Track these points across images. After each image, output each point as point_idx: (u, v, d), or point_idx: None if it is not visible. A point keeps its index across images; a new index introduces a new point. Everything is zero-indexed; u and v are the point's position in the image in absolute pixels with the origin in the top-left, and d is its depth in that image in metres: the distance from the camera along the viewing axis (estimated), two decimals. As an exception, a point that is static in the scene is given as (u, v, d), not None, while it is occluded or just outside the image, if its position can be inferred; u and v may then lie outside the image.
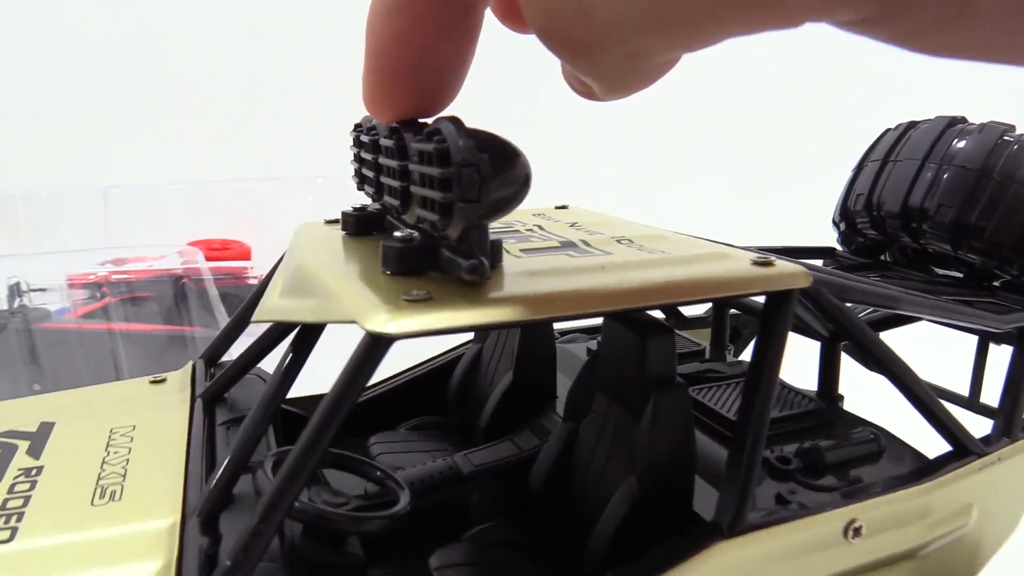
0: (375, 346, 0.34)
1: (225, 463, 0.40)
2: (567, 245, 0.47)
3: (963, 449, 0.47)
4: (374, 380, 0.66)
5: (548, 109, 1.66)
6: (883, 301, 0.45)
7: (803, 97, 1.74)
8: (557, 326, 0.70)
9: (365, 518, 0.39)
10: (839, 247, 0.76)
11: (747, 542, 0.39)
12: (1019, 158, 0.58)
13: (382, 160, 0.45)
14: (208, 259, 1.09)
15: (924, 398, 0.46)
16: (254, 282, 1.10)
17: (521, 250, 0.46)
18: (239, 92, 1.53)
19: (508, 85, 1.62)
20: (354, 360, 0.34)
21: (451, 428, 0.64)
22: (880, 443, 0.48)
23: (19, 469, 0.44)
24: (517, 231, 0.52)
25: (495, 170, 0.35)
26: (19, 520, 0.39)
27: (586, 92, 0.26)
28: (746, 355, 0.74)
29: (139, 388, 0.58)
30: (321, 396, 0.67)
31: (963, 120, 0.63)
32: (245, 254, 1.22)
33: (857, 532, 0.42)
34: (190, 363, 0.61)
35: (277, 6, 1.60)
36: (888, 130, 0.69)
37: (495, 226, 0.53)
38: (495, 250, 0.41)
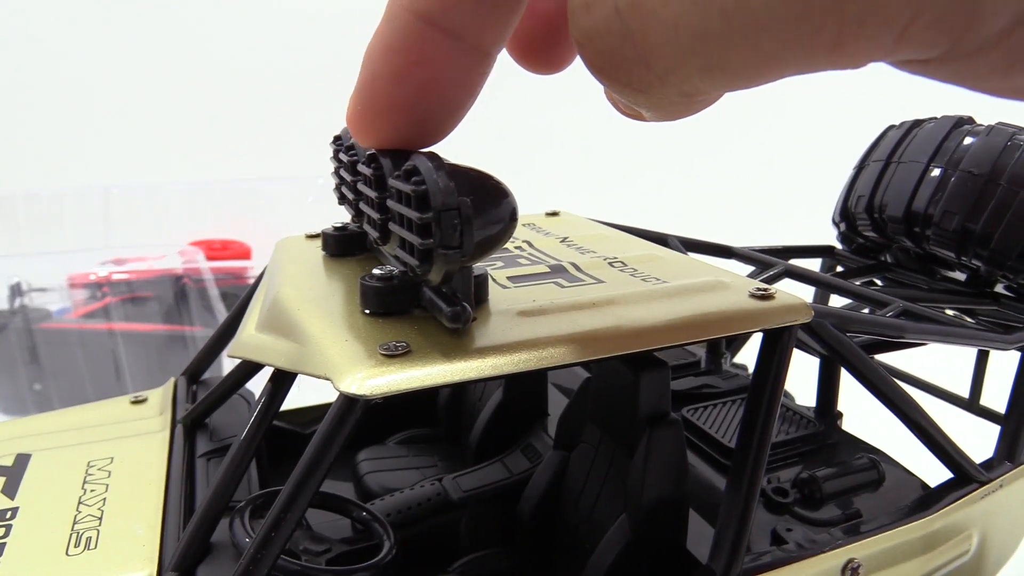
0: (349, 407, 0.33)
1: (201, 511, 0.39)
2: (557, 271, 0.45)
3: (964, 476, 0.46)
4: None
5: (544, 105, 1.64)
6: (885, 331, 0.44)
7: (805, 91, 1.71)
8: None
9: (348, 572, 0.38)
10: (839, 245, 0.74)
11: (744, 591, 0.38)
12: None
13: (361, 187, 0.43)
14: (208, 259, 1.08)
15: (925, 426, 0.44)
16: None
17: (508, 278, 0.44)
18: (240, 92, 1.52)
19: (502, 83, 1.60)
20: (329, 420, 0.33)
21: (440, 441, 0.63)
22: (880, 470, 0.47)
23: (-8, 511, 0.43)
24: (506, 248, 0.50)
25: (478, 212, 0.33)
26: (-10, 573, 0.38)
27: (633, 115, 0.25)
28: (742, 356, 0.73)
29: (119, 409, 0.56)
30: (307, 408, 0.65)
31: (970, 120, 0.61)
32: (245, 254, 1.21)
33: (855, 572, 0.40)
34: (171, 381, 0.60)
35: (277, 6, 1.60)
36: (891, 127, 0.67)
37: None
38: (479, 286, 0.39)
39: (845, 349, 0.41)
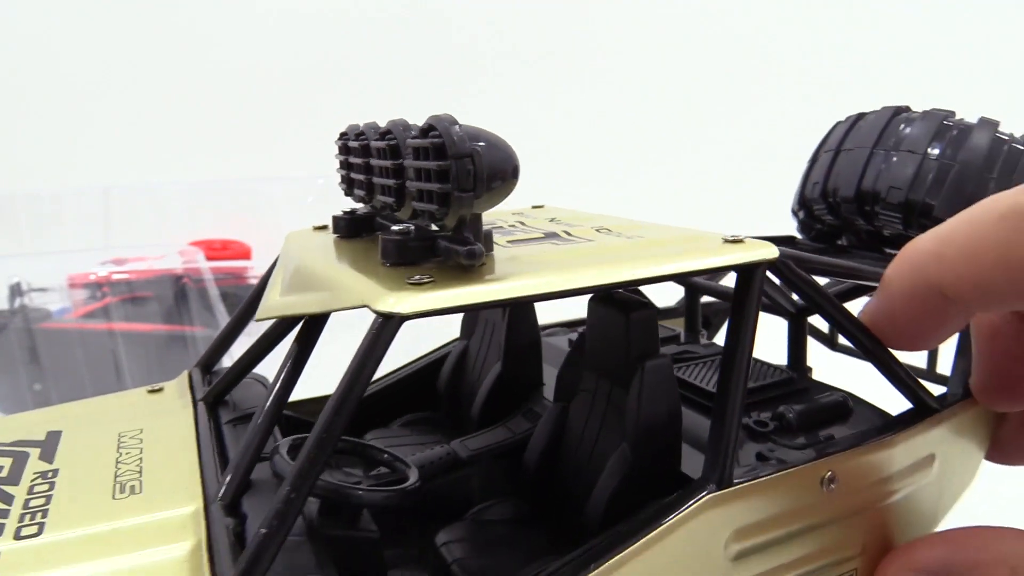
0: (386, 327, 0.37)
1: (242, 451, 0.42)
2: (550, 236, 0.50)
3: (923, 406, 0.51)
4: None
5: (515, 114, 1.70)
6: (845, 271, 0.50)
7: (762, 92, 1.81)
8: (539, 320, 0.73)
9: (382, 491, 0.42)
10: (799, 236, 0.80)
11: (734, 495, 0.42)
12: (959, 140, 0.62)
13: (374, 162, 0.48)
14: (208, 259, 1.10)
15: (887, 360, 0.50)
16: (254, 282, 1.12)
17: (508, 241, 0.49)
18: (240, 92, 1.54)
19: (483, 84, 1.66)
20: (366, 342, 0.37)
21: (442, 422, 0.66)
22: (848, 404, 0.52)
23: (35, 472, 0.46)
24: (501, 227, 0.56)
25: (488, 160, 0.38)
26: (44, 516, 0.41)
27: None
28: (719, 340, 0.78)
29: (138, 397, 0.59)
30: (319, 399, 0.69)
31: (907, 109, 0.68)
32: (245, 254, 1.23)
33: (832, 481, 0.45)
34: (185, 372, 0.63)
35: (277, 6, 1.63)
36: (839, 122, 0.74)
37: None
38: (487, 239, 0.44)
39: (808, 286, 0.47)
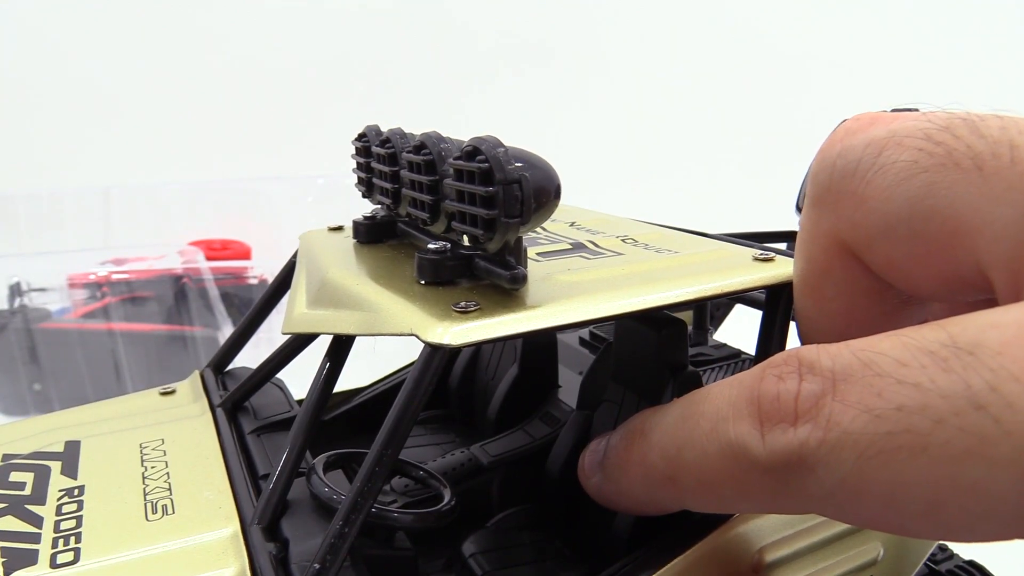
0: (435, 356, 0.37)
1: (279, 469, 0.42)
2: (577, 247, 0.50)
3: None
4: (370, 381, 0.69)
5: (521, 109, 1.69)
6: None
7: (774, 86, 1.82)
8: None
9: (418, 513, 0.42)
10: (801, 230, 0.81)
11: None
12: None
13: (405, 173, 0.47)
14: (208, 259, 1.09)
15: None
16: (254, 282, 1.11)
17: (537, 254, 0.49)
18: (239, 92, 1.52)
19: (496, 84, 1.65)
20: (417, 371, 0.37)
21: (454, 421, 0.67)
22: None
23: (60, 490, 0.45)
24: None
25: (534, 185, 0.38)
26: (78, 541, 0.40)
27: None
28: (721, 334, 0.79)
29: (151, 401, 0.59)
30: (338, 393, 0.68)
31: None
32: (245, 254, 1.22)
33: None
34: (196, 373, 0.62)
35: (277, 6, 1.60)
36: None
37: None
38: (524, 256, 0.44)
39: (837, 303, 0.48)
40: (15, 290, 1.02)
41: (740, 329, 0.79)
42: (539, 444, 0.57)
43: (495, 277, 0.40)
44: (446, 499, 0.45)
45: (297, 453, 0.42)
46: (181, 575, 0.38)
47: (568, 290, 0.41)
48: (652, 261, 0.47)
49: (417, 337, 0.37)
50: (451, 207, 0.41)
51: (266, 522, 0.41)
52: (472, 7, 1.64)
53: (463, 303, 0.38)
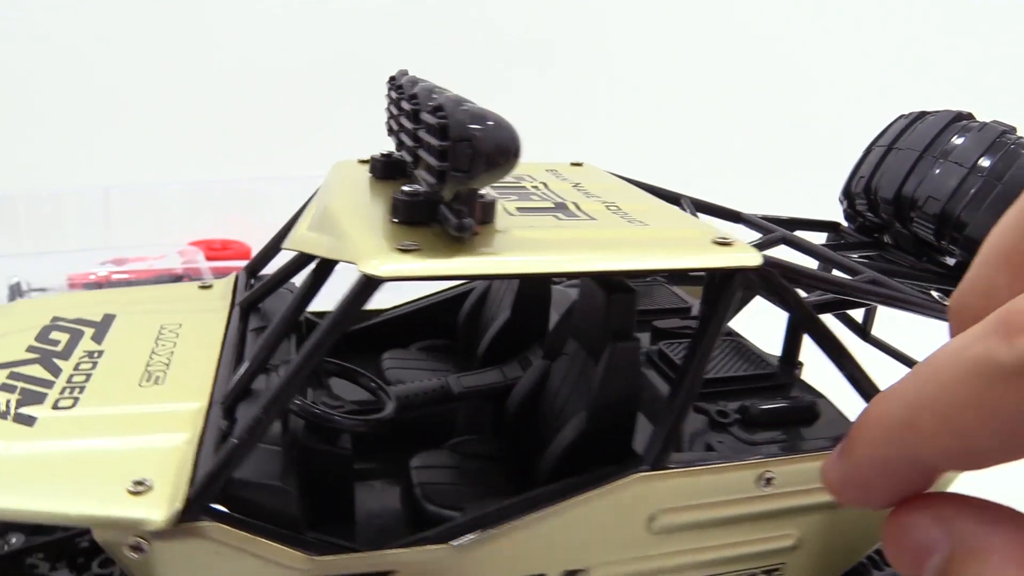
0: (366, 285, 0.41)
1: (248, 363, 0.49)
2: (559, 207, 0.53)
3: (891, 423, 0.52)
4: (393, 304, 0.75)
5: (573, 65, 1.67)
6: (829, 287, 0.51)
7: (839, 74, 1.74)
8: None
9: (350, 419, 0.48)
10: (844, 223, 0.79)
11: (664, 478, 0.46)
12: (1010, 159, 0.60)
13: (402, 120, 0.52)
14: (208, 259, 1.10)
15: (859, 378, 0.51)
16: (253, 281, 1.11)
17: (517, 208, 0.52)
18: (239, 92, 1.53)
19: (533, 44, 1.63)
20: (350, 294, 0.42)
21: (456, 352, 0.72)
22: (816, 409, 0.54)
23: (84, 351, 0.54)
24: (523, 187, 0.59)
25: (486, 144, 0.41)
26: (80, 392, 0.49)
27: None
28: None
29: (189, 292, 0.67)
30: (368, 311, 0.74)
31: (969, 116, 0.65)
32: (245, 254, 1.22)
33: (768, 482, 0.48)
34: (233, 274, 0.70)
35: (277, 5, 1.61)
36: (900, 116, 0.72)
37: (506, 181, 0.60)
38: (487, 209, 0.47)
39: (790, 296, 0.48)
40: (15, 290, 1.01)
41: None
42: (507, 384, 0.61)
43: (446, 224, 0.44)
44: (385, 411, 0.50)
45: (266, 352, 0.49)
46: (145, 431, 0.45)
47: (515, 244, 0.44)
48: (615, 230, 0.49)
49: (355, 266, 0.42)
50: (421, 155, 0.45)
51: (228, 404, 0.47)
52: (472, 7, 1.61)
53: (407, 242, 0.43)
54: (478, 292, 0.72)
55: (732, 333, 0.65)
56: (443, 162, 0.41)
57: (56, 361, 0.52)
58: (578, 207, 0.54)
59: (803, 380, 0.60)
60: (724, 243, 0.48)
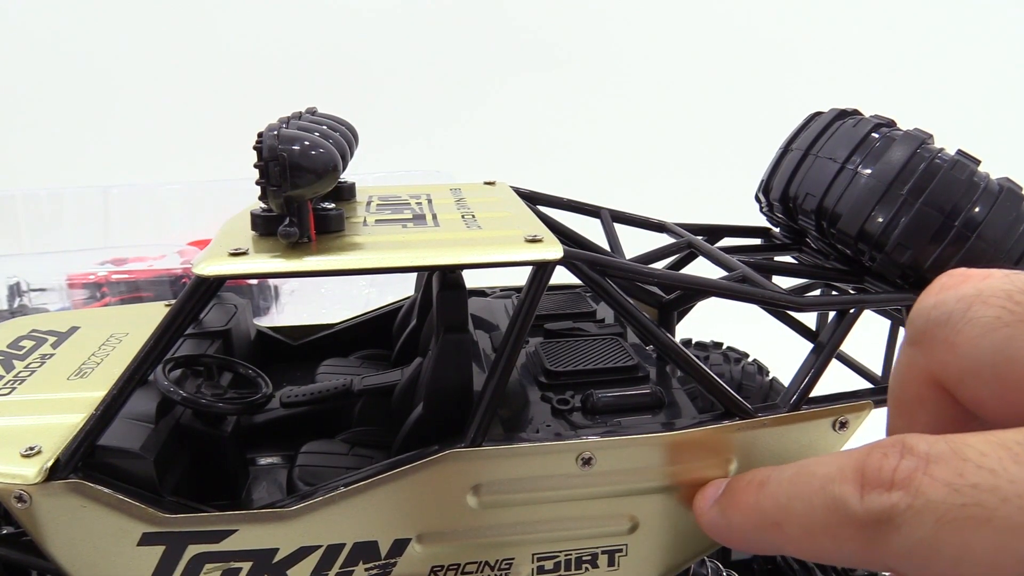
0: (197, 284, 0.49)
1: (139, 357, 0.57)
2: (418, 218, 0.59)
3: (729, 410, 0.54)
4: (337, 319, 0.82)
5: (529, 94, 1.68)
6: (638, 276, 0.54)
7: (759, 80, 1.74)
8: (497, 283, 0.82)
9: (238, 406, 0.56)
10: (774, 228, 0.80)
11: (479, 455, 0.50)
12: (878, 152, 0.61)
13: None
14: None
15: (690, 366, 0.54)
16: (253, 281, 1.12)
17: (376, 220, 0.59)
18: (239, 91, 1.56)
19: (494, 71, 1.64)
20: (184, 292, 0.50)
21: (391, 359, 0.79)
22: (662, 398, 0.57)
23: (40, 354, 0.65)
24: (407, 203, 0.65)
25: (298, 161, 0.48)
26: (20, 383, 0.59)
27: None
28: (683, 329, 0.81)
29: (155, 310, 0.78)
30: (298, 327, 0.83)
31: (890, 123, 0.64)
32: None
33: (588, 462, 0.51)
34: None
35: (278, 6, 1.63)
36: (817, 114, 0.72)
37: (397, 197, 0.67)
38: (329, 220, 0.54)
39: (598, 286, 0.52)
40: (15, 290, 1.04)
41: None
42: (403, 381, 0.67)
43: (279, 233, 0.51)
44: (259, 395, 0.57)
45: (163, 346, 0.57)
46: (53, 412, 0.55)
47: (343, 248, 0.51)
48: (449, 234, 0.55)
49: (192, 269, 0.50)
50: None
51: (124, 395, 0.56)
52: (474, 6, 1.62)
53: (239, 248, 0.50)
54: (408, 304, 0.79)
55: (622, 332, 0.68)
56: (261, 179, 0.49)
57: (13, 361, 0.63)
58: (435, 218, 0.60)
59: (666, 371, 0.62)
60: (534, 240, 0.52)
